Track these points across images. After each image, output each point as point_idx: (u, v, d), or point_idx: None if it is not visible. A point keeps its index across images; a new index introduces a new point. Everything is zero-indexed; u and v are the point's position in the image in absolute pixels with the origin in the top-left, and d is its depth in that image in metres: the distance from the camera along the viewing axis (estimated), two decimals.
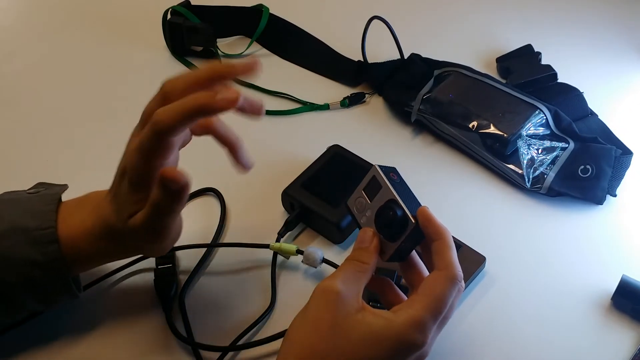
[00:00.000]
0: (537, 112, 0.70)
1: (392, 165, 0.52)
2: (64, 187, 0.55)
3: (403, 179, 0.52)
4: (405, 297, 0.51)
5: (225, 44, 0.88)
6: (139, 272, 0.62)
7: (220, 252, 0.64)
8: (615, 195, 0.67)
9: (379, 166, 0.51)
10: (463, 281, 0.47)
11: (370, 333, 0.44)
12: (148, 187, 0.48)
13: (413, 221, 0.48)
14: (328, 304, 0.44)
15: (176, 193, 0.47)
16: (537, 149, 0.69)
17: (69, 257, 0.51)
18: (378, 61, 0.80)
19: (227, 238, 0.65)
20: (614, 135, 0.72)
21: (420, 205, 0.50)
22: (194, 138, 0.53)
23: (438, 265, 0.47)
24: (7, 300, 0.51)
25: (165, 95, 0.47)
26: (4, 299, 0.51)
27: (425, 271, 0.50)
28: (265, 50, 0.87)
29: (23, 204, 0.52)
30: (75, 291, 0.53)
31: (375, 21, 0.78)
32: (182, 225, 0.54)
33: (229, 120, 0.51)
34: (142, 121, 0.49)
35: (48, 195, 0.53)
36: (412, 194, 0.51)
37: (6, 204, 0.52)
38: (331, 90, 0.81)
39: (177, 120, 0.44)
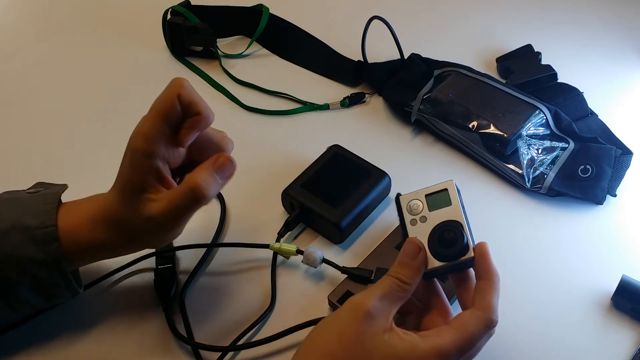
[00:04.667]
0: (537, 112, 0.70)
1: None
2: (64, 187, 0.55)
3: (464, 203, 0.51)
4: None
5: (225, 44, 0.88)
6: (139, 272, 0.62)
7: (220, 252, 0.64)
8: (615, 195, 0.67)
9: (455, 184, 0.50)
10: (495, 327, 0.47)
11: (392, 355, 0.44)
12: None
13: (473, 255, 0.48)
14: (356, 320, 0.44)
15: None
16: (537, 149, 0.69)
17: (69, 253, 0.52)
18: (378, 61, 0.80)
19: (227, 238, 0.65)
20: (614, 135, 0.72)
21: (472, 234, 0.49)
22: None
23: (477, 305, 0.46)
24: (10, 296, 0.52)
25: None
26: (6, 296, 0.52)
27: (444, 301, 0.50)
28: (265, 50, 0.87)
29: (24, 203, 0.53)
30: (76, 287, 0.54)
31: (375, 21, 0.78)
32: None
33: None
34: None
35: (48, 194, 0.54)
36: (469, 221, 0.50)
37: (7, 203, 0.53)
38: (331, 90, 0.81)
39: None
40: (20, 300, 0.52)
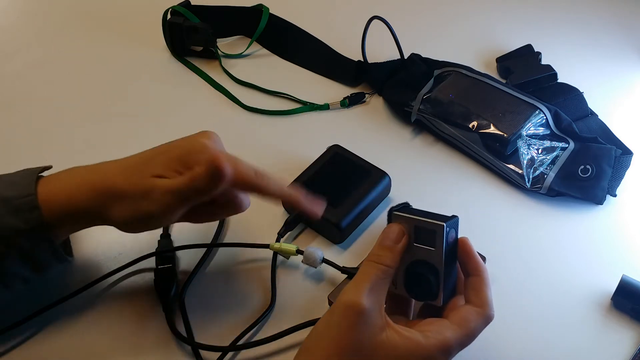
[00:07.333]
0: (537, 112, 0.70)
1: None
2: (46, 167, 0.56)
3: (456, 240, 0.48)
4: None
5: (225, 44, 0.88)
6: (139, 272, 0.62)
7: (220, 252, 0.64)
8: (615, 195, 0.67)
9: (447, 225, 0.46)
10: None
11: (395, 356, 0.43)
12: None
13: (440, 303, 0.47)
14: (351, 324, 0.43)
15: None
16: (537, 149, 0.69)
17: (51, 219, 0.51)
18: (378, 61, 0.80)
19: (227, 238, 0.65)
20: (614, 135, 0.72)
21: (449, 282, 0.48)
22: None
23: (474, 302, 0.47)
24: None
25: None
26: None
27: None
28: (265, 50, 0.87)
29: (4, 179, 0.53)
30: (63, 255, 0.54)
31: (375, 21, 0.78)
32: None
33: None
34: None
35: (28, 170, 0.54)
36: (453, 266, 0.49)
37: None
38: (331, 90, 0.81)
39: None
40: (9, 274, 0.52)
